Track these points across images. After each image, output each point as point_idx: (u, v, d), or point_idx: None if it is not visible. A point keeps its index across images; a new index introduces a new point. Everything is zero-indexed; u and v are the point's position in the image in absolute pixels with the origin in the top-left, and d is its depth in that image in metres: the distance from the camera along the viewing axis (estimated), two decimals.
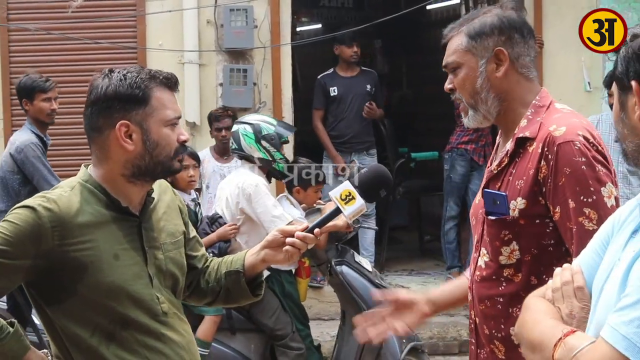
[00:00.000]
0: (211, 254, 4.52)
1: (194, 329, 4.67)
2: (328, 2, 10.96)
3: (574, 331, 1.53)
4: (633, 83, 1.49)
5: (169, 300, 2.29)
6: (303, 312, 5.03)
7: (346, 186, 2.34)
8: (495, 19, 2.31)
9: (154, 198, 2.32)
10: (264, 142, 4.75)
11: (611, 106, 6.01)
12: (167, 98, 2.23)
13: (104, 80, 2.20)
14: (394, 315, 2.47)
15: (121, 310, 2.16)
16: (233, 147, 4.87)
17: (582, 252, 1.73)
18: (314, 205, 4.99)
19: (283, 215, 4.58)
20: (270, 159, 4.77)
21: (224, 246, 4.70)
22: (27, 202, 2.14)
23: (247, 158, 4.81)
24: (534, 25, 6.85)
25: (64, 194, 2.17)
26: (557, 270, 1.70)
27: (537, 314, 1.65)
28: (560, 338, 1.52)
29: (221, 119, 6.02)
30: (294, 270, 5.05)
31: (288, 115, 6.92)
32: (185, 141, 2.27)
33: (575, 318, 1.60)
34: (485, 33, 2.29)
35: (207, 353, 4.69)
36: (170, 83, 2.25)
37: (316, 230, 2.34)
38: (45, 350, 2.31)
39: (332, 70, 7.38)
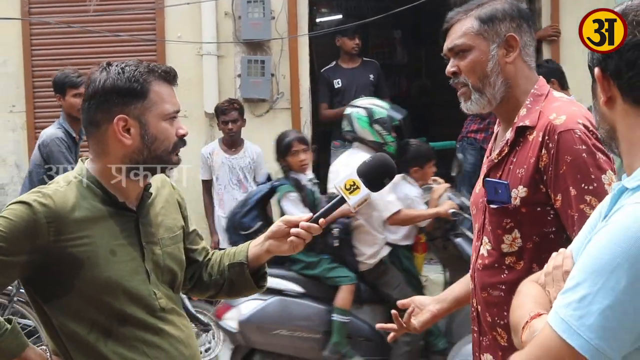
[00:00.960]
0: (336, 230, 4.82)
1: (329, 300, 4.87)
2: None
3: (540, 314, 1.57)
4: (596, 70, 1.53)
5: (167, 295, 2.26)
6: (420, 285, 5.26)
7: (350, 176, 2.35)
8: (506, 5, 2.33)
9: (151, 193, 2.29)
10: (376, 126, 4.94)
11: None
12: (166, 92, 2.19)
13: (102, 74, 2.16)
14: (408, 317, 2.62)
15: (118, 306, 2.14)
16: (347, 129, 5.06)
17: (575, 237, 1.76)
18: (429, 182, 5.23)
19: (395, 201, 4.86)
20: (382, 141, 4.94)
21: (346, 221, 4.90)
22: (22, 197, 2.12)
23: (361, 140, 5.00)
24: (551, 13, 6.84)
25: (60, 188, 2.14)
26: (553, 254, 1.72)
27: (524, 297, 1.69)
28: (527, 321, 1.57)
29: (228, 112, 6.06)
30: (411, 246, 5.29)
31: (305, 106, 6.98)
32: (184, 135, 2.22)
33: None
34: (498, 18, 2.30)
35: (348, 320, 4.89)
36: (169, 77, 2.21)
37: (321, 220, 2.33)
38: (44, 347, 2.26)
39: (334, 63, 7.42)
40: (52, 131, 5.31)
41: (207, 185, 6.23)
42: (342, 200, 2.34)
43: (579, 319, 1.37)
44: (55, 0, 6.95)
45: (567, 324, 1.39)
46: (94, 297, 2.12)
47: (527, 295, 1.70)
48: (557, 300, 1.44)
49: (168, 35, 6.88)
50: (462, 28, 2.32)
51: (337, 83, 7.24)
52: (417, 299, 2.66)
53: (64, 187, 2.15)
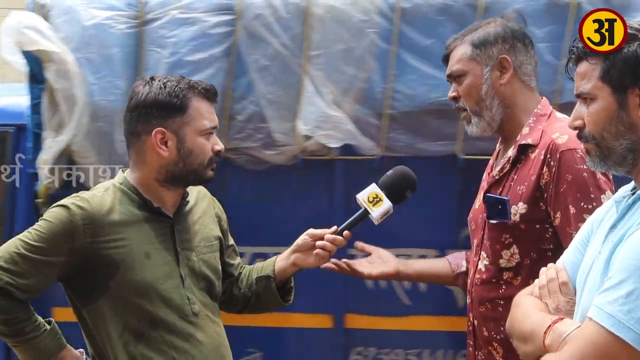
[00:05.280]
0: None
1: None
2: None
3: (562, 318, 1.63)
4: None
5: (202, 301, 2.30)
6: None
7: (373, 188, 2.37)
8: (498, 28, 2.40)
9: (188, 202, 2.35)
10: None
11: None
12: (205, 108, 2.26)
13: (145, 88, 2.25)
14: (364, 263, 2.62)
15: (150, 309, 2.20)
16: None
17: (565, 251, 1.83)
18: None
19: None
20: None
21: None
22: (62, 201, 2.23)
23: None
24: None
25: (98, 194, 2.25)
26: (543, 269, 1.80)
27: (527, 307, 1.75)
28: (550, 325, 1.62)
29: None
30: None
31: None
32: (219, 151, 2.29)
33: (561, 311, 1.70)
34: (489, 42, 2.38)
35: None
36: (209, 94, 2.28)
37: (345, 232, 2.36)
38: (81, 350, 2.32)
39: None
40: None
41: None
42: (366, 212, 2.36)
43: (627, 314, 1.44)
44: None
45: (616, 319, 1.45)
46: (128, 300, 2.20)
47: (528, 305, 1.75)
48: (598, 299, 1.50)
49: None
50: (457, 54, 2.41)
51: None
52: (381, 250, 2.66)
53: (102, 192, 2.26)
